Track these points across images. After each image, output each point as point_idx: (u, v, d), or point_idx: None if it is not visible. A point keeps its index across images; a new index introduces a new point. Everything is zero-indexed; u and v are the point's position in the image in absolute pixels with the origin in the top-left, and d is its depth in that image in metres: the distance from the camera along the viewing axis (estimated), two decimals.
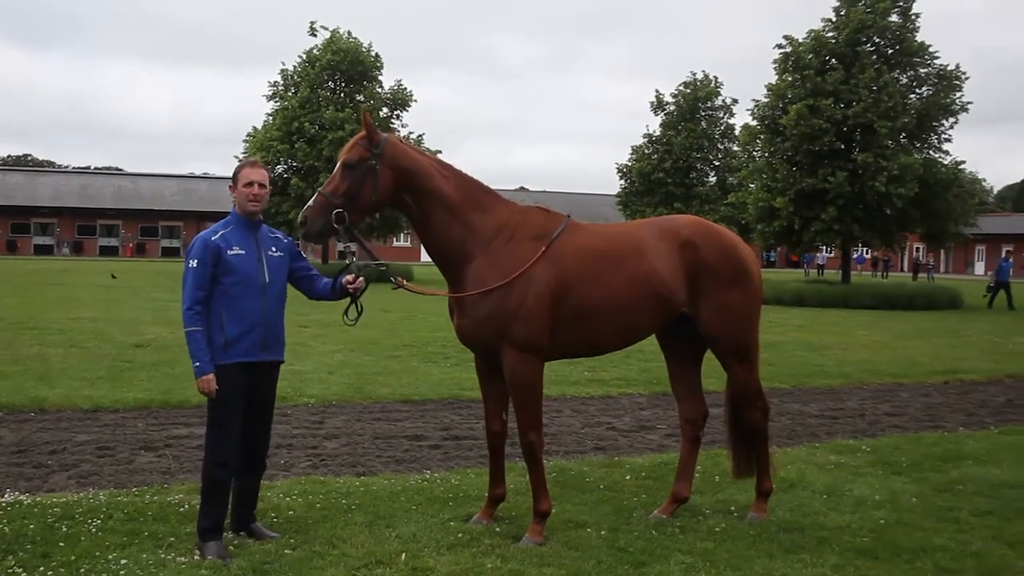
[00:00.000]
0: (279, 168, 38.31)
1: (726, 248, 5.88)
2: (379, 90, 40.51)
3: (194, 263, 5.10)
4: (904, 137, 30.96)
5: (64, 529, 5.30)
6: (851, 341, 18.01)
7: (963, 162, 31.70)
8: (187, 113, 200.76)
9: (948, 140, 31.93)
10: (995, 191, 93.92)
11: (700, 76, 47.39)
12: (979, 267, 71.42)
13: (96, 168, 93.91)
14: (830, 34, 31.63)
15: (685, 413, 6.21)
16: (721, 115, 47.19)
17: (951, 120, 31.30)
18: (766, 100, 32.46)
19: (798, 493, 6.59)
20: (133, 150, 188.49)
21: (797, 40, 31.97)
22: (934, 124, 31.29)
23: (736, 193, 37.40)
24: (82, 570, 4.71)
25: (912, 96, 31.47)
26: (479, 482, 6.52)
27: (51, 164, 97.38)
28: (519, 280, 5.31)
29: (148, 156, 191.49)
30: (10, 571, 4.68)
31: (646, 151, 46.97)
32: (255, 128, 40.30)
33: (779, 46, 32.38)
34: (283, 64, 40.81)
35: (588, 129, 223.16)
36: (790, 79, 31.70)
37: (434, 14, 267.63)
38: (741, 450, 6.21)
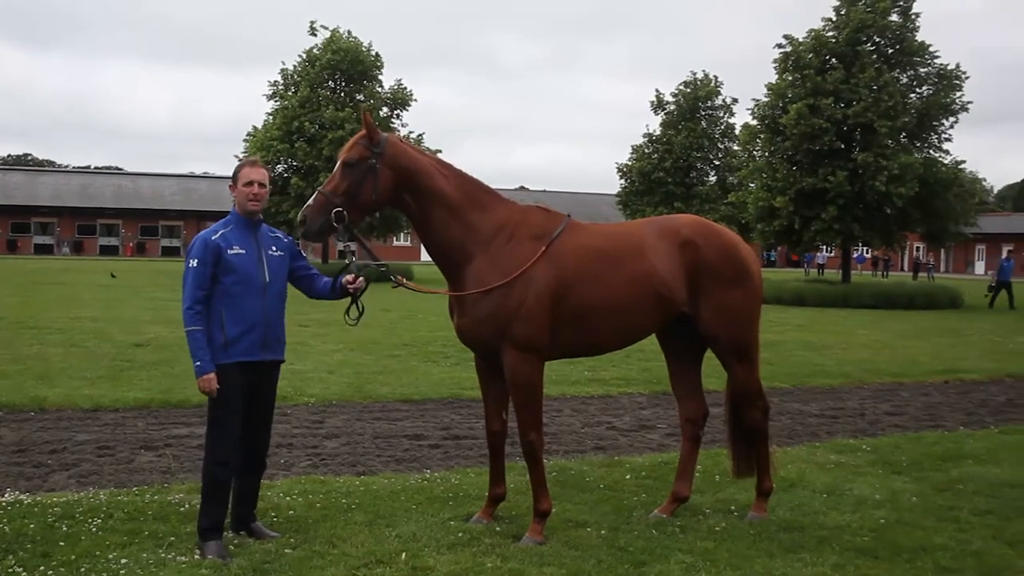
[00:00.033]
0: (279, 167, 38.30)
1: (726, 247, 5.88)
2: (379, 90, 40.50)
3: (194, 262, 5.10)
4: (904, 137, 30.95)
5: (64, 528, 5.30)
6: (851, 340, 18.01)
7: (963, 162, 31.75)
8: (187, 113, 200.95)
9: (948, 140, 31.95)
10: (995, 191, 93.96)
11: (700, 76, 47.40)
12: (979, 267, 71.43)
13: (96, 168, 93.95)
14: (830, 33, 31.62)
15: (685, 412, 6.21)
16: (721, 114, 47.16)
17: (951, 120, 31.30)
18: (766, 99, 32.45)
19: (798, 492, 6.59)
20: (133, 150, 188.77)
21: (797, 39, 31.96)
22: (934, 124, 31.29)
23: (736, 192, 37.39)
24: (82, 569, 4.71)
25: (912, 96, 31.47)
26: (479, 481, 6.52)
27: (51, 164, 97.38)
28: (519, 279, 5.30)
29: (148, 156, 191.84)
30: (10, 570, 4.68)
31: (646, 150, 46.94)
32: (255, 127, 40.29)
33: (779, 45, 32.39)
34: (283, 64, 40.83)
35: (588, 129, 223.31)
36: (790, 78, 31.69)
37: (434, 14, 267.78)
38: (741, 449, 6.21)
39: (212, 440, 5.21)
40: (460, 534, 5.41)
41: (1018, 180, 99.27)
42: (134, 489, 6.27)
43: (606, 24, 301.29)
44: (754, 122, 33.32)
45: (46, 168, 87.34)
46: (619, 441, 8.48)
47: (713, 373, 6.92)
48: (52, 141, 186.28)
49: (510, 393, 5.51)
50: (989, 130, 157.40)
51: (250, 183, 5.24)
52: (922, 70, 31.48)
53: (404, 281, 5.80)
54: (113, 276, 34.09)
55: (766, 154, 33.06)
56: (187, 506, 5.75)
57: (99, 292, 26.05)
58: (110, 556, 4.88)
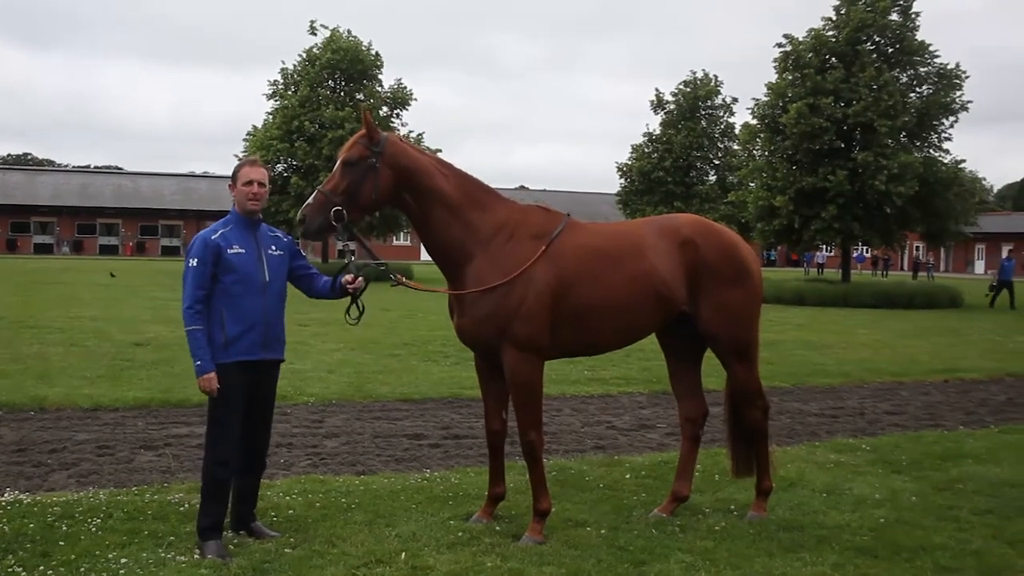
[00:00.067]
0: (279, 167, 38.27)
1: (726, 247, 5.88)
2: (379, 89, 40.47)
3: (194, 262, 5.09)
4: (904, 136, 30.95)
5: (64, 528, 5.30)
6: (851, 340, 18.01)
7: (963, 161, 31.78)
8: (187, 112, 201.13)
9: (948, 139, 32.01)
10: (995, 190, 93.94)
11: (700, 75, 47.39)
12: (979, 266, 71.43)
13: (96, 167, 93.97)
14: (830, 33, 31.62)
15: (685, 412, 6.21)
16: (721, 114, 47.17)
17: (951, 119, 31.31)
18: (766, 99, 32.45)
19: (798, 492, 6.59)
20: (133, 149, 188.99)
21: (797, 39, 31.96)
22: (934, 123, 31.30)
23: (736, 192, 37.41)
24: (82, 569, 4.71)
25: (912, 95, 31.47)
26: (479, 481, 6.52)
27: (51, 163, 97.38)
28: (519, 279, 5.30)
29: (148, 155, 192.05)
30: (10, 570, 4.68)
31: (646, 150, 46.94)
32: (255, 127, 40.26)
33: (779, 45, 32.39)
34: (283, 63, 40.76)
35: (588, 129, 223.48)
36: (790, 78, 31.70)
37: (434, 14, 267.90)
38: (740, 449, 6.20)
39: (212, 439, 5.21)
40: (460, 533, 5.41)
41: (1018, 179, 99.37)
42: (134, 489, 6.26)
43: (606, 24, 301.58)
44: (754, 121, 33.33)
45: (46, 168, 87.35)
46: (619, 440, 8.48)
47: (713, 372, 6.92)
48: (52, 141, 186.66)
49: (510, 392, 5.51)
50: (989, 129, 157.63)
51: (249, 182, 5.24)
52: (922, 69, 31.48)
53: (403, 280, 5.80)
54: (112, 276, 34.09)
55: (766, 153, 33.06)
56: (187, 506, 5.75)
57: (99, 291, 26.05)
58: (110, 556, 4.88)
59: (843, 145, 30.57)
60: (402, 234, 53.78)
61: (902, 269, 65.07)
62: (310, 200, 5.28)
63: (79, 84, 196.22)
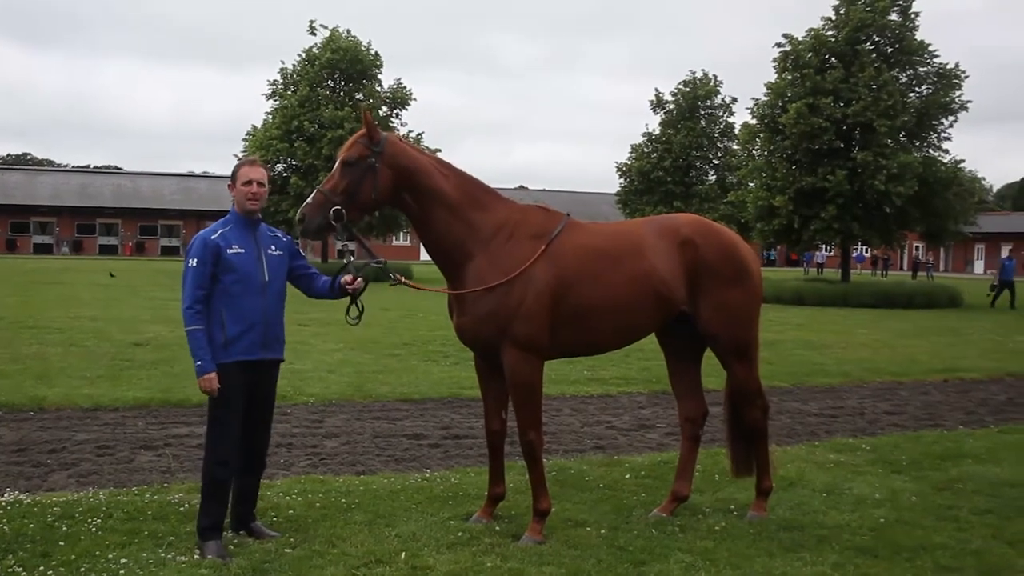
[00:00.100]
0: (278, 167, 38.27)
1: (726, 247, 5.88)
2: (378, 89, 40.47)
3: (194, 262, 5.09)
4: (904, 136, 30.97)
5: (64, 528, 5.30)
6: (851, 340, 18.01)
7: (963, 161, 31.80)
8: (187, 112, 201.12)
9: (948, 139, 32.07)
10: (994, 190, 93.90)
11: (699, 75, 47.40)
12: (978, 265, 71.46)
13: (95, 167, 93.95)
14: (830, 33, 31.63)
15: (685, 412, 6.21)
16: (720, 114, 47.20)
17: (951, 119, 31.34)
18: (766, 99, 32.47)
19: (798, 492, 6.59)
20: (132, 149, 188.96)
21: (797, 39, 31.97)
22: (934, 123, 31.32)
23: (736, 192, 37.41)
24: (82, 569, 4.71)
25: (912, 95, 31.49)
26: (479, 481, 6.52)
27: (50, 163, 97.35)
28: (519, 278, 5.30)
29: (147, 155, 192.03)
30: (10, 570, 4.68)
31: (646, 150, 46.96)
32: (254, 127, 40.24)
33: (779, 44, 32.41)
34: (282, 63, 40.74)
35: (588, 128, 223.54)
36: (790, 78, 31.71)
37: (434, 14, 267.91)
38: (740, 449, 6.20)
39: (212, 439, 5.21)
40: (460, 533, 5.41)
41: (1017, 179, 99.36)
42: (134, 489, 6.26)
43: (606, 24, 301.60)
44: (753, 121, 33.34)
45: (45, 167, 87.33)
46: (618, 440, 8.48)
47: (713, 372, 6.91)
48: (51, 140, 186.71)
49: (510, 392, 5.50)
50: (988, 129, 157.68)
51: (249, 182, 5.24)
52: (921, 69, 31.49)
53: (403, 279, 5.80)
54: (112, 275, 34.09)
55: (765, 153, 33.07)
56: (187, 506, 5.75)
57: (98, 291, 26.05)
58: (110, 556, 4.88)
59: (842, 145, 30.57)
60: (402, 234, 53.79)
61: (901, 269, 65.10)
62: (309, 199, 5.27)
63: (79, 84, 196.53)
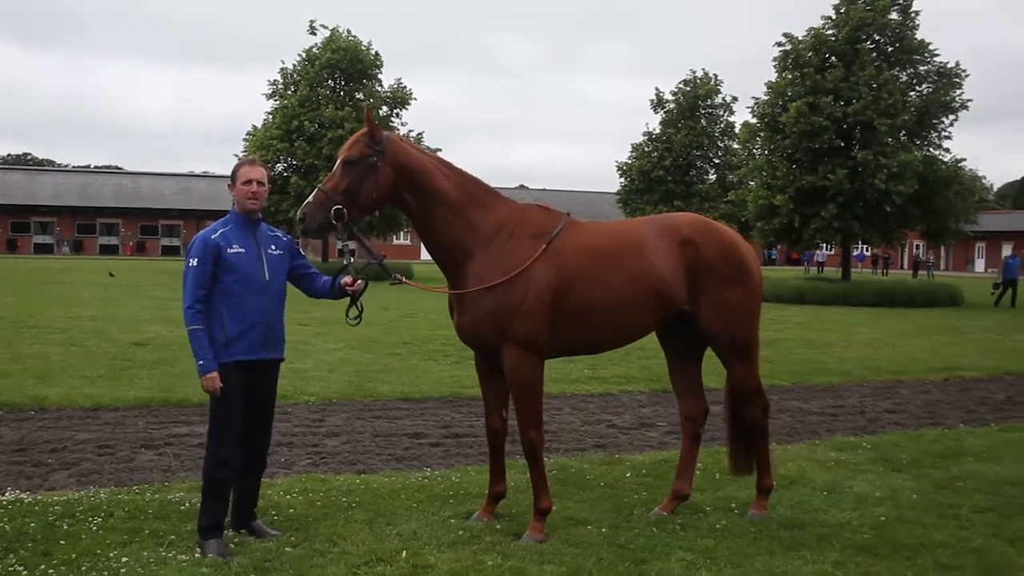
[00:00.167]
0: (279, 167, 38.28)
1: (726, 246, 5.88)
2: (378, 88, 40.46)
3: (194, 262, 5.10)
4: (904, 134, 30.98)
5: (65, 527, 5.30)
6: (851, 338, 18.01)
7: (963, 159, 31.83)
8: (187, 112, 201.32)
9: (948, 137, 32.04)
10: (995, 188, 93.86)
11: (700, 74, 47.37)
12: (979, 264, 71.44)
13: (96, 167, 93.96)
14: (830, 32, 31.63)
15: (685, 410, 6.21)
16: (721, 113, 47.16)
17: (951, 117, 31.35)
18: (766, 98, 32.47)
19: (799, 490, 6.59)
20: (133, 149, 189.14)
21: (797, 38, 31.98)
22: (934, 121, 31.32)
23: (736, 191, 37.39)
24: (83, 568, 4.71)
25: (912, 93, 31.49)
26: (479, 480, 6.52)
27: (51, 163, 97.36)
28: (519, 278, 5.30)
29: (148, 155, 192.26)
30: (11, 569, 4.68)
31: (646, 149, 46.93)
32: (255, 127, 40.26)
33: (779, 44, 32.42)
34: (283, 63, 40.73)
35: (588, 128, 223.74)
36: (790, 77, 31.71)
37: (434, 14, 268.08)
38: (740, 447, 6.20)
39: (213, 439, 5.21)
40: (461, 532, 5.41)
41: (1018, 178, 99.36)
42: (134, 488, 6.26)
43: (606, 24, 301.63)
44: (754, 120, 33.34)
45: (46, 167, 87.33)
46: (619, 439, 8.48)
47: (713, 371, 6.91)
48: (52, 140, 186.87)
49: (510, 391, 5.51)
50: (989, 128, 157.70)
51: (249, 182, 5.24)
52: (922, 68, 31.50)
53: (403, 279, 5.80)
54: (112, 275, 34.09)
55: (766, 152, 33.07)
56: (187, 505, 5.75)
57: (99, 291, 26.05)
58: (111, 555, 4.88)
59: (843, 144, 30.57)
60: (402, 233, 53.83)
61: (902, 267, 65.07)
62: (310, 198, 5.27)
63: (79, 84, 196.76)
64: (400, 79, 41.11)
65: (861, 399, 11.01)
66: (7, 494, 6.00)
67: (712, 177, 46.92)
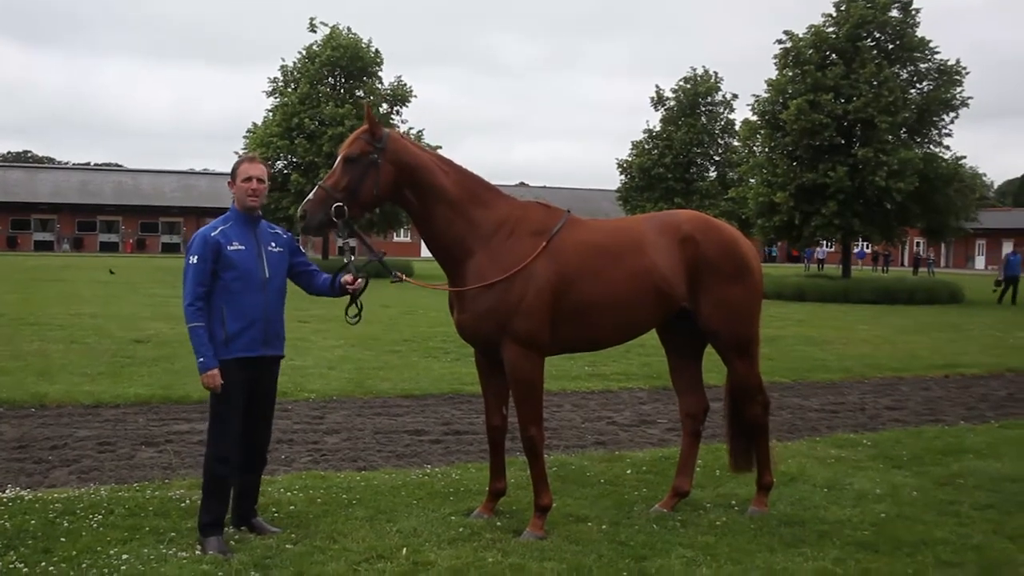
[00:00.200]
0: (279, 164, 38.25)
1: (726, 243, 5.87)
2: (379, 86, 40.41)
3: (194, 259, 5.09)
4: (904, 132, 30.97)
5: (65, 524, 5.30)
6: (851, 336, 18.01)
7: (964, 157, 31.83)
8: (187, 110, 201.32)
9: (948, 135, 32.05)
10: (995, 186, 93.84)
11: (700, 71, 47.31)
12: (979, 261, 71.40)
13: (96, 164, 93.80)
14: (830, 29, 31.62)
15: (686, 407, 6.21)
16: (721, 110, 47.09)
17: (951, 115, 31.35)
18: (766, 95, 32.45)
19: (799, 487, 6.59)
20: (133, 146, 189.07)
21: (797, 35, 31.97)
22: (934, 119, 31.33)
23: (736, 188, 37.39)
24: (83, 565, 4.71)
25: (912, 91, 31.49)
26: (480, 476, 6.53)
27: (51, 160, 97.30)
28: (519, 275, 5.30)
29: (148, 152, 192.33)
30: (11, 566, 4.68)
31: (646, 146, 46.87)
32: (255, 124, 40.22)
33: (779, 41, 32.40)
34: (283, 60, 40.70)
35: (588, 126, 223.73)
36: (790, 74, 31.71)
37: (434, 14, 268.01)
38: (740, 444, 6.20)
39: (213, 436, 5.21)
40: (461, 529, 5.41)
41: (1018, 175, 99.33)
42: (135, 485, 6.26)
43: (606, 24, 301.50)
44: (754, 118, 33.34)
45: (46, 165, 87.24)
46: (619, 436, 8.48)
47: (714, 368, 6.91)
48: (52, 138, 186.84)
49: (510, 388, 5.51)
50: (989, 125, 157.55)
51: (249, 179, 5.23)
52: (922, 65, 31.50)
53: (404, 277, 5.79)
54: (112, 273, 34.09)
55: (766, 150, 33.06)
56: (188, 502, 5.75)
57: (99, 288, 26.05)
58: (111, 552, 4.88)
59: (843, 141, 30.57)
60: (402, 230, 53.81)
61: (902, 265, 65.06)
62: (311, 196, 5.26)
63: (79, 82, 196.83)
64: (400, 77, 41.10)
65: (861, 396, 11.02)
66: (7, 491, 6.00)
67: (712, 174, 46.89)
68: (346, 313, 5.48)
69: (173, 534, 5.20)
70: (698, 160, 46.65)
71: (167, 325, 15.79)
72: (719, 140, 46.80)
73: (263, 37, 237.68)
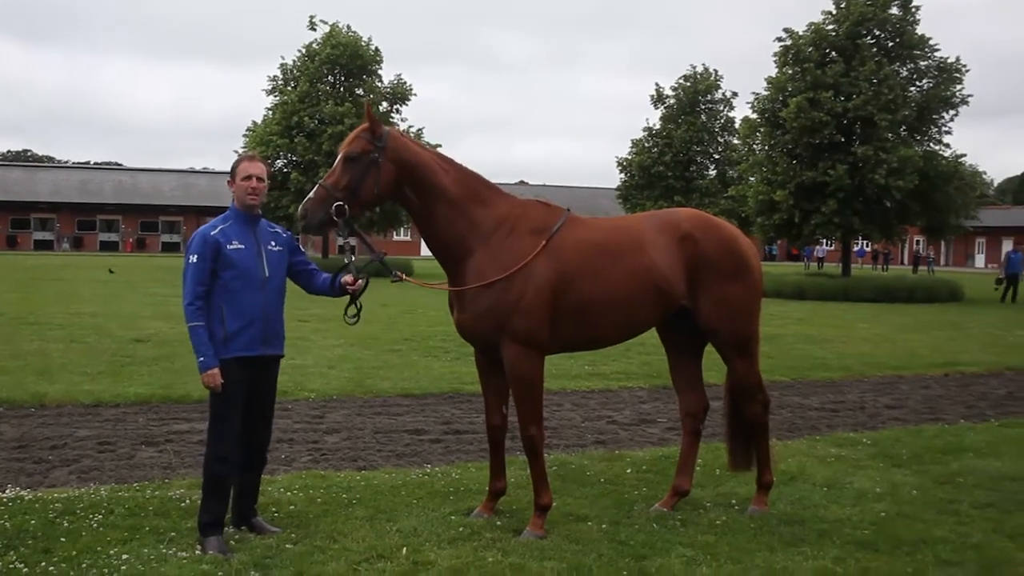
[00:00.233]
0: (279, 163, 38.25)
1: (726, 241, 5.87)
2: (379, 84, 40.39)
3: (194, 258, 5.09)
4: (904, 130, 30.97)
5: (65, 524, 5.30)
6: (851, 334, 18.01)
7: (963, 155, 31.80)
8: (187, 108, 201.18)
9: (948, 133, 32.06)
10: (995, 184, 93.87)
11: (700, 69, 47.28)
12: (979, 260, 71.40)
13: (96, 163, 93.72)
14: (830, 27, 31.61)
15: (686, 406, 6.21)
16: (721, 108, 47.09)
17: (951, 113, 31.36)
18: (766, 93, 32.43)
19: (799, 486, 6.59)
20: (133, 145, 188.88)
21: (797, 33, 31.95)
22: (934, 117, 31.32)
23: (736, 186, 37.38)
24: (83, 565, 4.71)
25: (912, 89, 31.49)
26: (480, 476, 6.52)
27: (50, 159, 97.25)
28: (519, 274, 5.30)
29: (148, 151, 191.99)
30: (11, 566, 4.68)
31: (646, 144, 46.87)
32: (255, 123, 40.22)
33: (779, 39, 32.37)
34: (282, 59, 40.71)
35: (588, 125, 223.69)
36: (790, 72, 31.70)
37: (434, 13, 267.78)
38: (740, 443, 6.20)
39: (213, 436, 5.21)
40: (461, 528, 5.41)
41: (1018, 173, 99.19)
42: (135, 485, 6.26)
43: (606, 23, 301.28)
44: (754, 116, 33.33)
45: (45, 164, 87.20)
46: (619, 435, 8.48)
47: (714, 367, 6.91)
48: (51, 137, 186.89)
49: (510, 387, 5.50)
50: (989, 123, 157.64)
51: (248, 177, 5.23)
52: (922, 63, 31.50)
53: (404, 276, 5.79)
54: (111, 272, 34.08)
55: (766, 148, 33.05)
56: (188, 502, 5.75)
57: (98, 288, 26.05)
58: (111, 552, 4.88)
59: (843, 139, 30.56)
60: (402, 229, 53.78)
61: (902, 263, 65.07)
62: (311, 195, 5.25)
63: (79, 81, 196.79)
64: (400, 75, 41.06)
65: (861, 395, 11.01)
66: (7, 491, 6.00)
67: (712, 173, 46.89)
68: (345, 313, 5.48)
69: (173, 534, 5.20)
70: (698, 158, 46.65)
71: (167, 324, 15.78)
72: (719, 138, 46.80)
73: (263, 35, 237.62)
